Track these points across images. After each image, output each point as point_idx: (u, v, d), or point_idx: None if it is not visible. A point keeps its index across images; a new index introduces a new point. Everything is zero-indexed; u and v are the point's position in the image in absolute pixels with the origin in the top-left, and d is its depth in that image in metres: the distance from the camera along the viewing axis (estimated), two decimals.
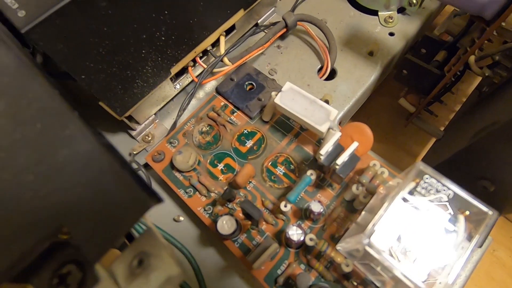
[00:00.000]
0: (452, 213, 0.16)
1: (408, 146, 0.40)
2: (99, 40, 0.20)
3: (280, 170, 0.25)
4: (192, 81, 0.30)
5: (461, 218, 0.15)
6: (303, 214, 0.23)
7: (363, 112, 0.40)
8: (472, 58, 0.25)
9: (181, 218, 0.26)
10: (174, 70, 0.27)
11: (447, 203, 0.16)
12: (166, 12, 0.23)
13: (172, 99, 0.31)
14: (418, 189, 0.16)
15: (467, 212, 0.15)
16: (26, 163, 0.12)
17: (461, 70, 0.28)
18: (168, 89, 0.29)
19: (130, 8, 0.20)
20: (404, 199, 0.16)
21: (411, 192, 0.16)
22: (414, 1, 0.31)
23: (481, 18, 0.21)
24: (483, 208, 0.15)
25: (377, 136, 0.40)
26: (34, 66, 0.15)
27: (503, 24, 0.21)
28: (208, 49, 0.29)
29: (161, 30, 0.23)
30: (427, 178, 0.16)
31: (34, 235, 0.11)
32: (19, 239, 0.11)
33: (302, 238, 0.20)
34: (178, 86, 0.30)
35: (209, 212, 0.24)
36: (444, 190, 0.15)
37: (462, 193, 0.15)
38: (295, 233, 0.20)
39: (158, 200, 0.11)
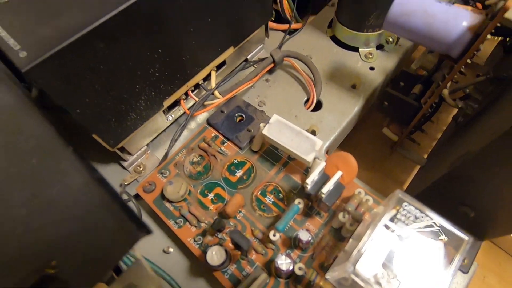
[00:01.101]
0: (433, 239, 0.16)
1: (395, 174, 0.41)
2: (95, 77, 0.21)
3: (269, 199, 0.25)
4: (184, 113, 0.31)
5: (440, 244, 0.16)
6: (292, 243, 0.23)
7: (350, 142, 0.41)
8: (445, 91, 0.27)
9: (171, 250, 0.26)
10: (167, 103, 0.28)
11: (427, 229, 0.17)
12: (160, 50, 0.24)
13: (164, 130, 0.32)
14: (398, 216, 0.17)
15: (445, 238, 0.16)
16: (19, 198, 0.12)
17: (437, 102, 0.30)
18: (161, 121, 0.30)
19: (126, 48, 0.22)
20: (386, 226, 0.17)
21: (392, 219, 0.17)
22: (391, 39, 0.34)
23: (449, 56, 0.23)
24: (459, 233, 0.16)
25: (365, 165, 0.42)
26: (32, 104, 0.15)
27: (469, 61, 0.23)
28: (200, 83, 0.31)
29: (155, 67, 0.25)
30: (405, 205, 0.17)
31: (23, 269, 0.11)
32: (8, 273, 0.11)
33: (291, 268, 0.20)
34: (170, 118, 0.31)
35: (199, 242, 0.24)
36: (422, 216, 0.16)
37: (439, 219, 0.16)
38: (284, 262, 0.20)
39: (148, 231, 0.11)
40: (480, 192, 0.20)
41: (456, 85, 0.30)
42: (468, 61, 0.23)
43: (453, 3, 0.29)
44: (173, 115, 0.31)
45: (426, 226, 0.16)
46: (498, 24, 0.20)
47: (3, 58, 0.18)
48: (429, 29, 0.22)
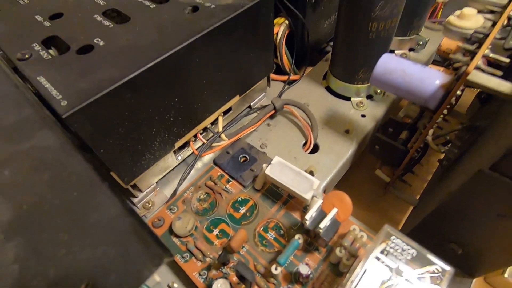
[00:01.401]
0: (421, 272, 0.18)
1: (390, 214, 0.43)
2: (121, 122, 0.24)
3: (271, 235, 0.27)
4: (192, 153, 0.34)
5: (427, 276, 0.18)
6: (293, 278, 0.24)
7: (346, 182, 0.43)
8: (429, 138, 0.30)
9: (175, 285, 0.27)
10: (178, 144, 0.31)
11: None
12: (176, 99, 0.28)
13: (173, 169, 0.34)
14: (388, 248, 0.19)
15: (430, 270, 0.18)
16: (62, 225, 0.14)
17: (423, 147, 0.33)
18: (171, 160, 0.33)
19: (148, 97, 0.25)
20: (377, 258, 0.18)
21: (382, 252, 0.19)
22: (378, 91, 0.38)
23: (427, 108, 0.27)
24: (442, 265, 0.18)
25: (361, 205, 0.44)
26: (73, 145, 0.18)
27: (445, 112, 0.26)
28: (208, 126, 0.34)
29: (171, 113, 0.28)
30: (393, 239, 0.19)
31: None
32: None
33: None
34: (179, 158, 0.34)
35: (204, 277, 0.25)
36: (409, 249, 0.18)
37: (424, 252, 0.18)
38: None
39: (171, 254, 0.13)
40: (463, 229, 0.22)
41: (439, 131, 0.33)
42: (445, 111, 0.26)
43: (431, 63, 0.34)
44: (182, 155, 0.34)
45: (413, 257, 0.18)
46: None
47: (48, 106, 0.21)
48: (408, 85, 0.26)
